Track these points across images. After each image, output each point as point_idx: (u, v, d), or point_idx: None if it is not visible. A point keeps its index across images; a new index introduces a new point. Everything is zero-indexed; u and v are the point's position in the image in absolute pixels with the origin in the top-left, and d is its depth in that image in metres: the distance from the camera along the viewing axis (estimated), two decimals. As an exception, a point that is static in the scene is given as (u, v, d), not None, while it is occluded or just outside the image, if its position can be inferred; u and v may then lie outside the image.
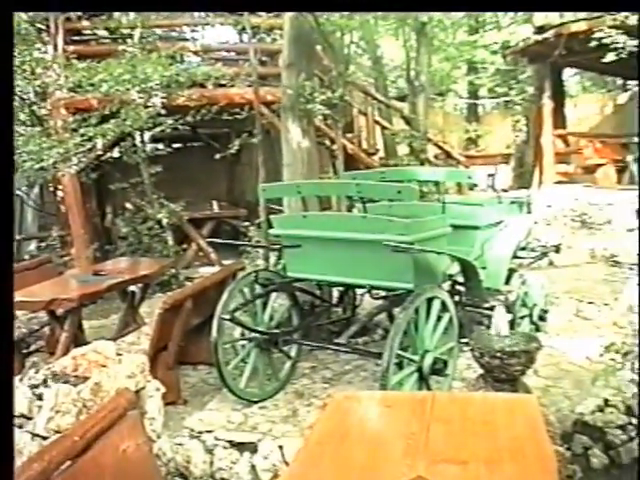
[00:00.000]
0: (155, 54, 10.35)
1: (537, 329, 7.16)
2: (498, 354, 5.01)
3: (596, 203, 14.49)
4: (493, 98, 24.99)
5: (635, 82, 22.18)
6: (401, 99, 18.88)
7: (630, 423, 5.50)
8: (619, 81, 24.29)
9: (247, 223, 12.82)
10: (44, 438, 4.02)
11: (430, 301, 5.38)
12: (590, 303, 8.60)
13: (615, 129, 19.74)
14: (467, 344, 5.91)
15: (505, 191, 17.18)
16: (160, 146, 13.27)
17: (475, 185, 11.26)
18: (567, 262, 10.04)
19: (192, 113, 10.48)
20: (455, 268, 6.19)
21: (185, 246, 12.31)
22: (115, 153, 11.58)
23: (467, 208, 6.94)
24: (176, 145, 14.69)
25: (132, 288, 8.00)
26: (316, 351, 7.07)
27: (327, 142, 11.80)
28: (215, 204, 13.75)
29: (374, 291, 6.08)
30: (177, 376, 6.26)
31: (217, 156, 11.23)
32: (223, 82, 11.26)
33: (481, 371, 5.36)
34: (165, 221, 11.20)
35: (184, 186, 13.52)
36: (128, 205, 12.51)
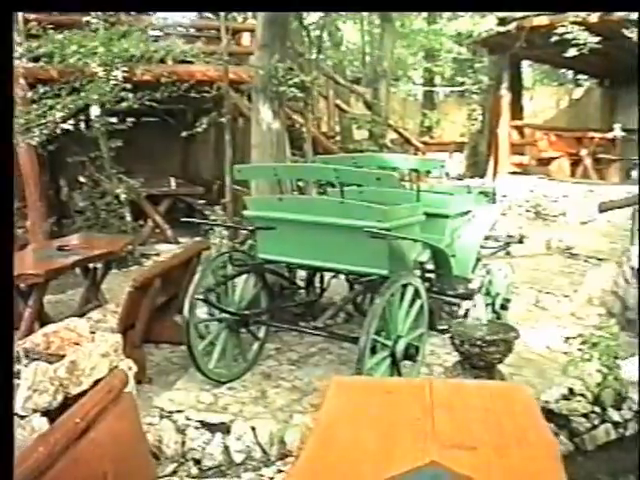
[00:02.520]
0: (134, 28, 10.19)
1: (498, 318, 7.23)
2: (478, 342, 5.06)
3: (550, 195, 14.71)
4: (449, 86, 25.13)
5: (585, 77, 22.63)
6: (356, 82, 18.88)
7: (593, 412, 5.60)
8: (571, 75, 24.65)
9: (203, 201, 12.76)
10: (22, 417, 3.93)
11: (404, 287, 5.41)
12: (549, 294, 8.74)
13: (570, 123, 20.07)
14: (444, 331, 5.99)
15: (459, 179, 17.37)
16: (114, 120, 13.07)
17: (429, 172, 11.31)
18: (524, 252, 10.14)
19: (162, 89, 10.34)
20: (425, 255, 6.22)
21: (142, 222, 12.17)
22: (70, 126, 11.34)
23: (438, 196, 6.97)
24: (130, 119, 14.49)
25: (94, 265, 7.88)
26: (280, 333, 7.05)
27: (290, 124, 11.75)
28: (173, 181, 13.59)
29: (341, 275, 6.11)
30: (143, 355, 6.21)
31: (184, 133, 11.11)
32: (187, 59, 11.13)
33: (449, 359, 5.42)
34: (123, 197, 11.05)
35: (138, 161, 13.34)
36: (83, 179, 12.31)
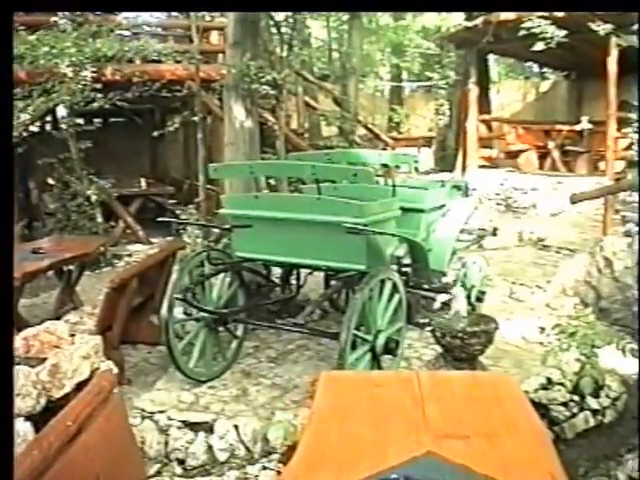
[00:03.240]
0: (105, 28, 10.11)
1: (474, 310, 7.29)
2: (459, 334, 5.12)
3: (520, 187, 14.84)
4: (417, 82, 25.24)
5: (551, 70, 22.82)
6: (323, 79, 18.91)
7: (572, 400, 5.68)
8: (537, 69, 24.85)
9: (174, 201, 12.70)
10: (5, 421, 3.90)
11: (383, 282, 5.45)
12: (522, 285, 8.82)
13: (537, 116, 20.25)
14: (424, 325, 6.03)
15: (428, 174, 17.46)
16: (81, 121, 12.98)
17: (398, 167, 11.37)
18: (496, 245, 10.22)
19: (133, 89, 10.28)
20: (402, 250, 6.25)
21: (113, 223, 12.10)
22: (37, 127, 11.25)
23: (413, 191, 7.02)
24: (98, 120, 14.40)
25: (68, 267, 7.82)
26: (258, 331, 7.06)
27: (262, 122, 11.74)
28: (143, 181, 13.53)
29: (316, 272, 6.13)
30: (121, 356, 6.18)
31: (155, 133, 11.06)
32: (158, 59, 11.09)
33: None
34: (94, 198, 10.98)
35: (108, 162, 13.30)
36: (52, 181, 12.20)
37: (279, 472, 4.71)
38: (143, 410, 5.33)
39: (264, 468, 4.84)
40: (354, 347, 5.14)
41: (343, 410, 2.84)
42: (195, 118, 9.59)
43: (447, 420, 2.72)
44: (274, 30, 9.80)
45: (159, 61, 11.20)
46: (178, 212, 11.40)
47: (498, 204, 15.01)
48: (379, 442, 2.52)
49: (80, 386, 4.53)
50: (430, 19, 14.60)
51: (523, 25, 12.35)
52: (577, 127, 16.17)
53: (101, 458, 2.75)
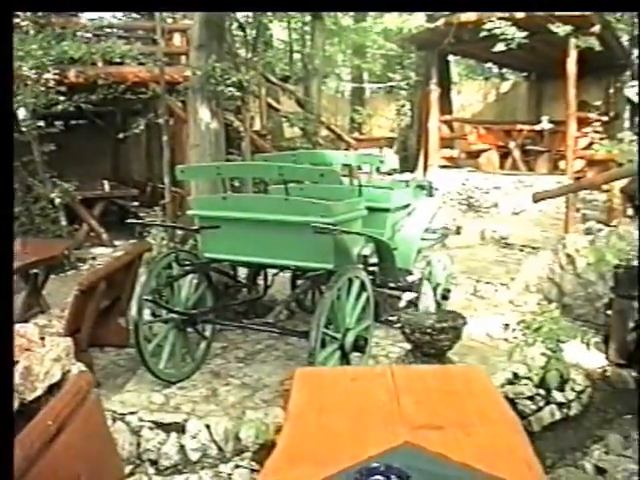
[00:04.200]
0: (69, 30, 10.04)
1: (439, 307, 7.39)
2: (428, 330, 5.21)
3: (482, 187, 15.01)
4: (378, 83, 25.35)
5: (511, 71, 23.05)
6: (284, 80, 18.93)
7: (538, 394, 5.81)
8: (497, 70, 25.12)
9: (137, 203, 12.66)
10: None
11: (351, 281, 5.52)
12: (487, 283, 8.94)
13: (498, 116, 20.46)
14: (393, 322, 6.11)
15: (390, 174, 17.54)
16: (42, 123, 12.89)
17: (359, 168, 11.45)
18: (460, 244, 10.34)
19: (98, 92, 10.23)
20: (369, 249, 6.32)
21: (76, 226, 12.02)
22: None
23: (378, 191, 7.10)
24: (59, 123, 14.28)
25: (34, 270, 7.77)
26: (225, 331, 7.09)
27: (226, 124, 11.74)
28: (106, 184, 13.45)
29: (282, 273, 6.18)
30: (90, 359, 6.16)
31: (120, 135, 11.02)
32: (121, 60, 11.05)
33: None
34: (58, 201, 10.91)
35: (71, 165, 13.16)
36: (15, 184, 12.08)
37: (252, 470, 4.75)
38: (114, 412, 5.32)
39: (237, 467, 4.88)
40: (323, 345, 5.20)
41: (320, 405, 2.90)
42: (159, 120, 9.57)
43: (422, 412, 2.79)
44: (238, 32, 9.81)
45: (122, 63, 11.17)
46: (142, 214, 11.39)
47: (460, 203, 15.17)
48: (357, 434, 2.58)
49: (52, 389, 4.55)
50: (392, 20, 14.67)
51: (484, 27, 12.50)
52: (537, 127, 16.38)
53: (82, 457, 2.76)
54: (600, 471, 4.86)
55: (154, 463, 5.04)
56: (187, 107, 8.51)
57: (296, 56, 21.42)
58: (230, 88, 8.10)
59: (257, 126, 14.75)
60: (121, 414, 5.30)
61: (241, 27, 9.25)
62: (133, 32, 13.69)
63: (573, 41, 13.69)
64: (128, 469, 4.94)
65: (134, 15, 14.36)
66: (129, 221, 7.01)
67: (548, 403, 5.84)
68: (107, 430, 3.14)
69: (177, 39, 12.97)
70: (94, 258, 11.23)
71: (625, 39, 20.19)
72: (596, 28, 13.60)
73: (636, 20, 24.69)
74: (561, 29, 12.49)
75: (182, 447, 5.06)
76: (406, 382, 3.12)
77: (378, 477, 2.12)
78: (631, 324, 6.53)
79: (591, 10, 12.25)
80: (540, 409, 5.78)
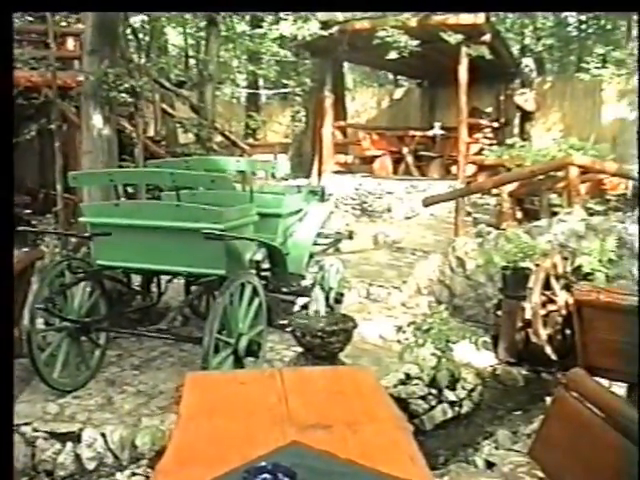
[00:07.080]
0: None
1: (332, 311, 7.52)
2: (319, 333, 5.32)
3: (375, 192, 15.26)
4: (273, 89, 25.43)
5: (405, 78, 23.46)
6: (179, 86, 18.80)
7: (430, 393, 5.99)
8: (391, 76, 25.51)
9: (29, 211, 12.38)
10: None
11: (243, 286, 5.60)
12: (380, 286, 9.12)
13: (391, 122, 20.80)
14: (285, 326, 6.19)
15: (284, 179, 17.66)
16: None
17: (254, 174, 11.53)
18: (352, 248, 10.48)
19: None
20: (260, 254, 6.40)
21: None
22: None
23: (270, 197, 7.18)
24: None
25: None
26: (119, 339, 7.05)
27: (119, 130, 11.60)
28: (-3, 191, 13.09)
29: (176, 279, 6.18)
30: (-20, 370, 6.04)
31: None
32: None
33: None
34: (-57, 208, 10.59)
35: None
36: None
37: (148, 477, 4.76)
38: (6, 423, 5.26)
39: (133, 474, 4.88)
40: (217, 350, 5.26)
41: (210, 408, 2.95)
42: (52, 126, 9.40)
43: (310, 412, 2.87)
44: (131, 37, 9.73)
45: (14, 67, 10.91)
46: (34, 222, 11.15)
47: (354, 208, 15.40)
48: (246, 436, 2.65)
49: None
50: (287, 27, 14.75)
51: (377, 34, 12.74)
52: (430, 133, 16.75)
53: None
54: (490, 465, 5.05)
55: (50, 474, 5.00)
56: (80, 113, 8.39)
57: (191, 62, 21.31)
58: (123, 94, 8.03)
59: (151, 132, 14.60)
60: (15, 425, 5.22)
61: (134, 32, 9.16)
62: (25, 35, 13.37)
63: (464, 49, 14.10)
64: (23, 481, 4.89)
65: (27, 17, 13.99)
66: (20, 229, 6.87)
67: (440, 402, 6.01)
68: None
69: (70, 43, 12.75)
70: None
71: (515, 48, 20.85)
72: (486, 37, 14.05)
73: (526, 30, 25.62)
74: (452, 37, 12.84)
75: (78, 457, 5.04)
76: (295, 384, 3.20)
77: (266, 476, 2.19)
78: (519, 324, 6.75)
79: (591, 10, 12.58)
80: (432, 408, 5.94)
